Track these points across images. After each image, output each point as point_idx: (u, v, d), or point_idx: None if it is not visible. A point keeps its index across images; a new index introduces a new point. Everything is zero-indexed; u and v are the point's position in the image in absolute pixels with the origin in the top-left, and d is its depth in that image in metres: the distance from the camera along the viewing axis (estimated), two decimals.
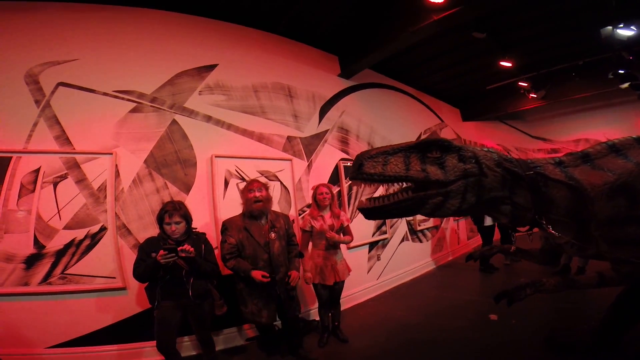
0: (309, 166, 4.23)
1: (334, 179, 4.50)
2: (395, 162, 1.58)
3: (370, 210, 1.66)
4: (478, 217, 5.24)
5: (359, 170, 1.58)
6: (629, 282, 1.78)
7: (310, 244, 3.16)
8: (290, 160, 4.01)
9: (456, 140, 7.71)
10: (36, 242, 2.67)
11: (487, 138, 9.38)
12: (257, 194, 2.71)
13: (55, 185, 2.78)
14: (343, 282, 3.17)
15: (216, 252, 2.79)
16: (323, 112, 4.58)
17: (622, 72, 5.28)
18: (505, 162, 1.73)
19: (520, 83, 6.49)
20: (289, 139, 4.09)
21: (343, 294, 3.26)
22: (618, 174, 1.70)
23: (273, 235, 2.73)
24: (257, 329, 2.82)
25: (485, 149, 1.80)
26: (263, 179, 3.44)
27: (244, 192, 2.79)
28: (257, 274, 2.52)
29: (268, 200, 2.81)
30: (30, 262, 2.64)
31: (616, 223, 1.67)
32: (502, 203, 1.76)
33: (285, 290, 2.69)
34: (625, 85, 5.53)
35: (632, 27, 3.96)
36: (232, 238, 2.63)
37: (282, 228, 2.84)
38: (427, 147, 1.65)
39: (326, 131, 4.55)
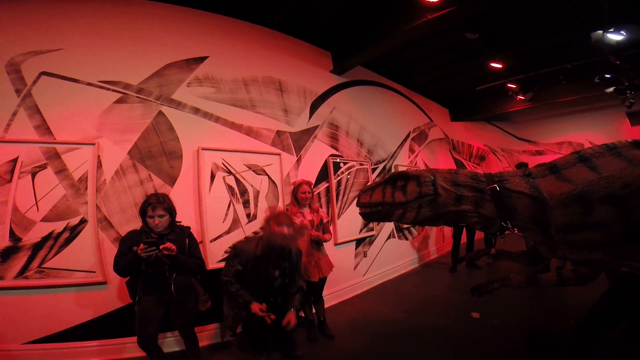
0: (298, 161, 4.20)
1: (323, 175, 4.48)
2: (377, 193, 2.26)
3: (362, 215, 2.39)
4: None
5: (359, 201, 2.36)
6: (584, 282, 1.95)
7: None
8: (279, 154, 3.96)
9: (443, 139, 7.80)
10: (12, 234, 2.57)
11: (475, 138, 9.51)
12: (285, 229, 2.43)
13: (33, 175, 2.68)
14: (326, 277, 3.19)
15: (200, 246, 2.74)
16: (314, 107, 4.55)
17: (608, 76, 5.38)
18: (468, 181, 2.08)
19: (508, 85, 6.57)
20: (279, 133, 4.05)
21: (329, 290, 3.27)
22: (576, 184, 1.86)
23: (277, 272, 2.57)
24: (243, 325, 2.76)
25: (452, 171, 2.19)
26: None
27: (271, 224, 2.46)
28: (256, 308, 2.37)
29: (293, 238, 2.55)
30: (6, 255, 2.54)
31: (571, 228, 1.87)
32: (468, 216, 2.09)
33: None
34: (611, 89, 5.65)
35: (622, 32, 4.02)
36: (239, 266, 2.48)
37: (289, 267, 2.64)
38: (394, 180, 2.24)
39: (316, 127, 4.52)
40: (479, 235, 5.86)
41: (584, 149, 2.03)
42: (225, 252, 2.58)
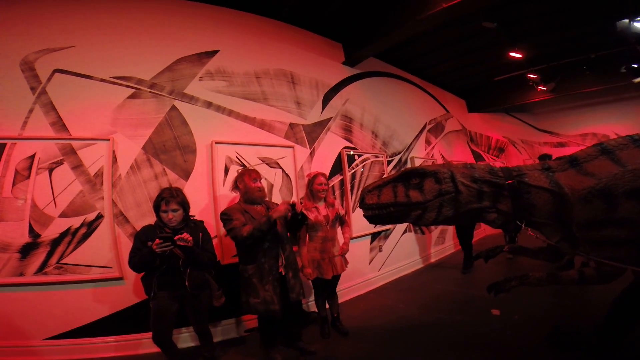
0: (312, 154, 4.15)
1: (337, 167, 4.41)
2: (386, 192, 1.99)
3: (369, 217, 2.09)
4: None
5: (363, 202, 2.06)
6: (607, 280, 1.83)
7: (307, 236, 3.04)
8: (293, 147, 3.92)
9: (460, 131, 7.62)
10: (31, 230, 2.61)
11: (493, 130, 9.26)
12: (260, 184, 2.73)
13: (50, 171, 2.72)
14: (340, 275, 3.11)
15: (215, 241, 2.73)
16: (326, 99, 4.48)
17: (635, 66, 5.15)
18: (487, 176, 1.93)
19: (529, 75, 6.34)
20: (292, 126, 4.00)
21: (343, 286, 3.21)
22: (599, 178, 1.75)
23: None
24: (259, 320, 2.74)
25: (468, 165, 2.01)
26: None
27: (246, 181, 2.69)
28: (283, 205, 2.50)
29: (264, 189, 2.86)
30: (25, 251, 2.59)
31: (594, 225, 1.75)
32: (487, 212, 1.94)
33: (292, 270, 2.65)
34: (639, 79, 5.39)
35: None
36: (237, 221, 2.51)
37: None
38: (408, 176, 2.00)
39: (329, 119, 4.45)
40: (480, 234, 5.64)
41: (606, 140, 1.90)
42: (221, 217, 2.56)
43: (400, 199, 1.97)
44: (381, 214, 2.02)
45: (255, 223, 2.47)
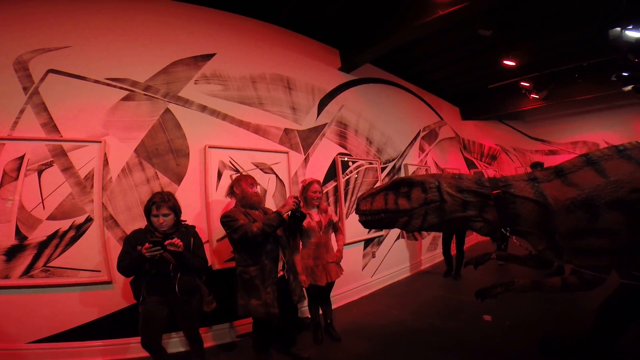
0: (306, 160, 4.14)
1: (331, 173, 4.41)
2: (378, 200, 2.13)
3: (363, 222, 2.22)
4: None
5: (358, 208, 2.21)
6: (589, 288, 1.88)
7: (300, 243, 3.01)
8: (287, 153, 3.91)
9: (454, 138, 7.68)
10: (18, 232, 2.56)
11: (486, 137, 9.34)
12: (257, 190, 2.76)
13: (39, 173, 2.67)
14: (334, 281, 3.09)
15: (206, 247, 2.69)
16: (322, 105, 4.48)
17: (626, 74, 5.23)
18: (473, 186, 2.01)
19: (522, 83, 6.41)
20: (286, 131, 3.99)
21: (337, 292, 3.19)
22: (582, 189, 1.80)
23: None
24: (255, 324, 2.69)
25: (456, 176, 2.10)
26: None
27: (243, 186, 2.69)
28: (288, 200, 2.52)
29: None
30: (12, 253, 2.53)
31: (576, 235, 1.81)
32: (472, 220, 2.02)
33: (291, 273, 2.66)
34: (629, 87, 5.48)
35: None
36: (243, 220, 2.48)
37: None
38: (397, 186, 2.13)
39: (324, 125, 4.45)
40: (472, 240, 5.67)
41: (592, 151, 1.95)
42: (223, 220, 2.50)
43: (390, 206, 2.09)
44: (374, 219, 2.14)
45: (264, 219, 2.48)
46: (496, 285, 2.13)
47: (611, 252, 1.77)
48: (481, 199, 1.99)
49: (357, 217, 2.17)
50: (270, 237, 2.52)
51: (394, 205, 2.07)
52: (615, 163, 1.82)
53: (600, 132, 9.08)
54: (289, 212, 2.59)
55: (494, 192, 1.96)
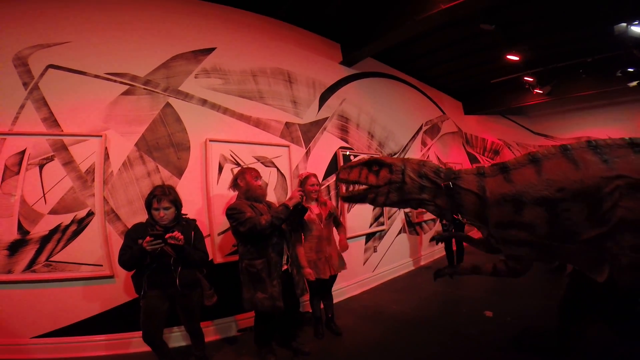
0: (307, 153, 4.13)
1: (333, 167, 4.39)
2: (354, 172, 2.37)
3: (343, 197, 2.51)
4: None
5: (338, 175, 2.47)
6: (515, 275, 2.10)
7: (302, 237, 2.99)
8: (288, 146, 3.90)
9: (456, 133, 7.64)
10: (20, 227, 2.57)
11: (489, 132, 9.29)
12: (261, 183, 2.79)
13: (41, 167, 2.67)
14: (337, 274, 3.10)
15: (207, 240, 2.69)
16: (323, 99, 4.46)
17: (631, 70, 5.18)
18: (430, 174, 2.24)
19: (525, 78, 6.36)
20: (287, 125, 3.98)
21: (338, 286, 3.18)
22: (515, 186, 1.98)
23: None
24: (257, 318, 2.69)
25: (421, 163, 2.33)
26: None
27: (248, 179, 2.71)
28: (295, 193, 2.59)
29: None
30: (14, 248, 2.55)
31: (502, 225, 2.03)
32: (425, 203, 2.29)
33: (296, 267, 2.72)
34: (634, 83, 5.43)
35: None
36: (250, 213, 2.50)
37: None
38: (371, 164, 2.36)
39: (326, 119, 4.43)
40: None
41: (540, 150, 2.05)
42: (230, 213, 2.51)
43: (362, 179, 2.35)
44: (352, 195, 2.43)
45: (272, 212, 2.52)
46: (444, 268, 2.50)
47: (530, 244, 1.97)
48: (435, 186, 2.23)
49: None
50: (276, 230, 2.54)
51: (365, 180, 2.33)
52: (555, 162, 1.93)
53: (605, 128, 8.98)
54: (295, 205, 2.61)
55: (443, 183, 2.19)
